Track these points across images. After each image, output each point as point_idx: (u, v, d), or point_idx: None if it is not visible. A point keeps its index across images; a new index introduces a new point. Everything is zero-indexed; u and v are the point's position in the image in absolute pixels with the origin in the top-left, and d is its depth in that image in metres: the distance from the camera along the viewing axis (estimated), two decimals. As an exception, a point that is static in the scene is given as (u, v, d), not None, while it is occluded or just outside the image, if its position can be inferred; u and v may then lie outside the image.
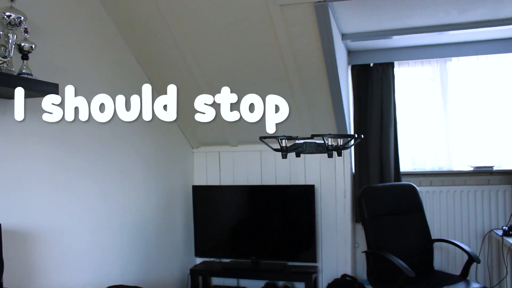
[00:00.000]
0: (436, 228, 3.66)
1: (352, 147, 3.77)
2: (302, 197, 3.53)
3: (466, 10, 2.91)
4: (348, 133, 3.58)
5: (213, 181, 3.95)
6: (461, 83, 3.76)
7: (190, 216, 3.79)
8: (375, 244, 2.93)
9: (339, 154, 1.91)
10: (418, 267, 2.86)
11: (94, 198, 2.67)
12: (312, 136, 1.95)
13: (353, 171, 3.79)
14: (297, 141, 1.93)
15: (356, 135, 1.91)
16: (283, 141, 1.89)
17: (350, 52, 3.79)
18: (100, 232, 2.71)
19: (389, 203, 3.12)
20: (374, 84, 3.74)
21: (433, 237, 3.29)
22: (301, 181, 3.68)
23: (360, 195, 3.06)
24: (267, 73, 3.14)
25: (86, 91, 2.62)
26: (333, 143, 1.86)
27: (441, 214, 3.69)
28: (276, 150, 1.95)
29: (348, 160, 3.61)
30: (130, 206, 3.04)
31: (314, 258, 3.49)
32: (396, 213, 3.11)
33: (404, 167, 3.80)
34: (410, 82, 3.87)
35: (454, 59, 3.75)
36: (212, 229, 3.74)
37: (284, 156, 1.88)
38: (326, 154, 3.49)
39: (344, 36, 3.38)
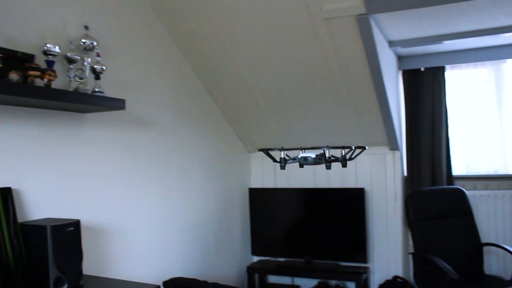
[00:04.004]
0: (492, 232, 3.63)
1: (404, 150, 3.84)
2: (353, 200, 3.65)
3: (514, 14, 2.91)
4: (399, 138, 3.65)
5: (269, 183, 4.17)
6: (517, 85, 3.71)
7: (246, 216, 4.03)
8: (421, 246, 3.00)
9: (344, 165, 2.00)
10: (466, 271, 2.90)
11: (158, 199, 2.98)
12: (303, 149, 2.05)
13: (405, 174, 3.86)
14: (300, 155, 2.03)
15: (353, 147, 2.01)
16: (282, 153, 2.02)
17: (400, 58, 3.86)
18: (163, 229, 3.01)
19: (436, 207, 3.17)
20: (425, 88, 3.79)
21: (486, 241, 3.29)
22: (352, 184, 3.80)
23: (407, 199, 3.14)
24: (316, 84, 3.30)
25: (150, 103, 2.96)
26: (330, 156, 1.96)
27: (497, 219, 3.65)
28: (275, 161, 2.09)
29: (399, 163, 3.68)
30: (191, 206, 3.33)
31: (365, 259, 3.59)
32: (443, 216, 3.16)
33: (457, 170, 3.81)
34: (463, 84, 3.87)
35: (509, 60, 3.71)
36: (268, 229, 3.95)
37: (282, 167, 2.01)
38: (377, 157, 3.62)
39: (392, 43, 3.47)
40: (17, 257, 1.92)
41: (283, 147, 2.03)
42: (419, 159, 3.78)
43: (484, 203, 3.68)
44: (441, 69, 3.77)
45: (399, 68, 3.89)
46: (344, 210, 3.70)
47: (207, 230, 3.51)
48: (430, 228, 3.09)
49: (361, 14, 2.69)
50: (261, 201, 4.01)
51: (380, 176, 3.72)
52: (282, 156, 2.03)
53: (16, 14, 2.11)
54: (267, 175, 4.19)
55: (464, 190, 3.30)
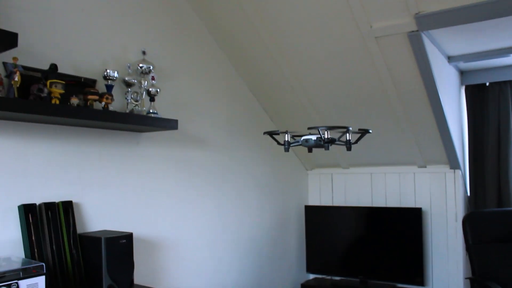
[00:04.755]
0: None
1: (467, 169, 3.67)
2: (410, 220, 3.54)
3: None
4: (460, 156, 3.50)
5: (326, 201, 4.16)
6: None
7: (302, 234, 4.04)
8: (479, 271, 2.84)
9: (349, 149, 2.00)
10: (532, 299, 2.71)
11: (212, 214, 3.09)
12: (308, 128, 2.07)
13: (468, 194, 3.68)
14: (302, 138, 2.06)
15: (350, 128, 1.99)
16: (286, 135, 2.06)
17: (463, 73, 3.72)
18: (216, 244, 3.11)
19: (497, 230, 2.99)
20: (490, 104, 3.62)
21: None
22: (411, 203, 3.69)
23: (464, 220, 3.00)
24: (370, 102, 3.27)
25: (205, 122, 3.09)
26: (328, 137, 1.96)
27: None
28: (279, 144, 2.13)
29: (460, 183, 3.52)
30: (245, 222, 3.40)
31: (422, 282, 3.46)
32: (505, 240, 2.97)
33: (528, 191, 3.56)
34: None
35: None
36: (323, 247, 3.93)
37: (286, 150, 2.04)
38: (436, 176, 3.50)
39: (451, 59, 3.35)
40: (75, 264, 2.10)
41: (287, 130, 2.09)
42: (483, 178, 3.59)
43: (558, 227, 3.41)
44: (508, 84, 3.58)
45: (462, 83, 3.74)
46: (401, 230, 3.60)
47: (261, 246, 3.56)
48: (490, 252, 2.92)
49: (413, 31, 2.66)
50: (317, 218, 4.00)
51: (440, 195, 3.58)
52: (286, 139, 2.07)
53: (82, 44, 2.34)
54: (324, 193, 4.18)
55: (530, 213, 3.10)
